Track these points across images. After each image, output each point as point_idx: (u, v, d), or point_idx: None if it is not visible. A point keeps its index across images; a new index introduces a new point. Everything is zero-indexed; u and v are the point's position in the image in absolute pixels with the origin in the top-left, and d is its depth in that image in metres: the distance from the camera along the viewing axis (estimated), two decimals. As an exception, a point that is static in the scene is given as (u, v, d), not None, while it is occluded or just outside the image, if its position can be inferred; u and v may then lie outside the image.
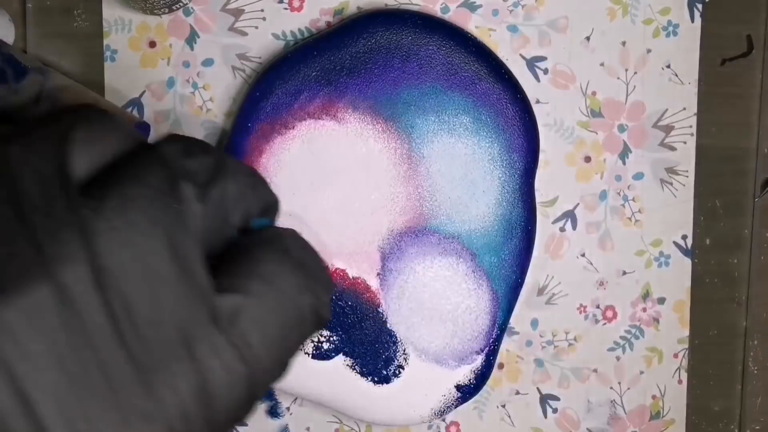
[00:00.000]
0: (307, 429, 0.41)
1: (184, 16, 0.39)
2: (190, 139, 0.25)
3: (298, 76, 0.37)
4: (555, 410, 0.42)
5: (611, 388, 0.42)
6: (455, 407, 0.40)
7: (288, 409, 0.41)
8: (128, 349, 0.21)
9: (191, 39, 0.39)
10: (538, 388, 0.42)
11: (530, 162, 0.39)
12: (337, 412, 0.41)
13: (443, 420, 0.42)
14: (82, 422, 0.20)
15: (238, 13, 0.39)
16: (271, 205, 0.26)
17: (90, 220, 0.21)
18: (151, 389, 0.21)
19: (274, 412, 0.41)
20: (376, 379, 0.39)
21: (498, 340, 0.39)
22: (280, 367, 0.24)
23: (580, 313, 0.42)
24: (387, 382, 0.39)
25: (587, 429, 0.42)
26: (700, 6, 0.41)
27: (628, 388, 0.42)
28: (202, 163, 0.24)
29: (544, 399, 0.42)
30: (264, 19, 0.39)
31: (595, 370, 0.42)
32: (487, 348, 0.39)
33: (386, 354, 0.39)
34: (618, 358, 0.42)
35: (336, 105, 0.38)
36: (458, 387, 0.40)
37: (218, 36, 0.39)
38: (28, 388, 0.20)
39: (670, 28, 0.41)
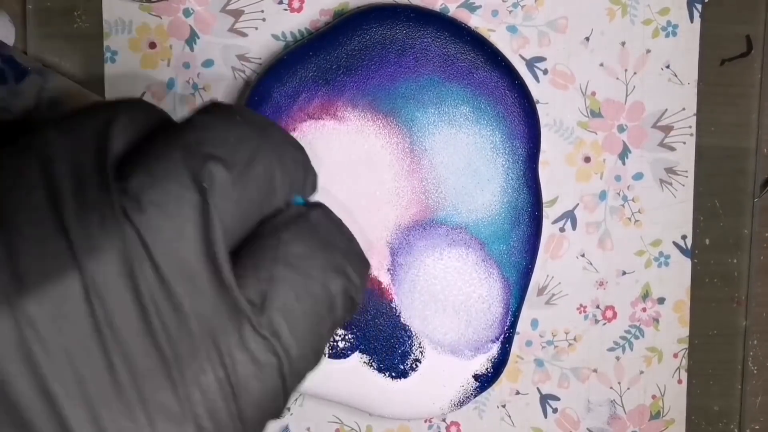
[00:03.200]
0: (308, 429, 0.41)
1: (184, 17, 0.39)
2: (227, 109, 0.23)
3: (295, 78, 0.38)
4: (555, 410, 0.42)
5: (611, 388, 0.42)
6: (474, 397, 0.40)
7: (288, 409, 0.41)
8: (156, 343, 0.20)
9: (191, 40, 0.39)
10: (538, 388, 0.42)
11: (532, 147, 0.39)
12: (338, 412, 0.41)
13: (443, 420, 0.42)
14: (107, 420, 0.19)
15: (237, 14, 0.39)
16: (312, 180, 0.24)
17: (120, 203, 0.20)
18: (176, 386, 0.20)
19: (274, 412, 0.41)
20: (393, 374, 0.39)
21: (512, 327, 0.40)
22: (314, 354, 0.23)
23: (580, 313, 0.42)
24: (405, 377, 0.39)
25: (587, 429, 0.43)
26: (699, 6, 0.41)
27: (628, 388, 0.42)
28: (240, 137, 0.22)
29: (544, 399, 0.42)
30: (264, 20, 0.39)
31: (595, 370, 0.42)
32: (502, 336, 0.40)
33: (402, 348, 0.39)
34: (618, 358, 0.42)
35: (335, 104, 0.38)
36: (476, 377, 0.40)
37: (218, 37, 0.39)
38: (51, 384, 0.19)
39: (670, 29, 0.41)
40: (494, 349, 0.40)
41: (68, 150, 0.21)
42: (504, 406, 0.42)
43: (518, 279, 0.39)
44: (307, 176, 0.24)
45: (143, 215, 0.20)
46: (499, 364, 0.40)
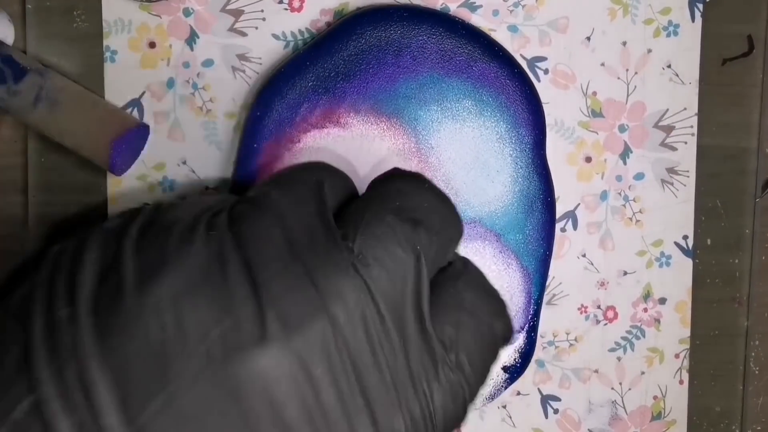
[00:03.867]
0: (308, 430, 0.41)
1: (184, 17, 0.39)
2: (414, 178, 0.28)
3: (295, 89, 0.37)
4: (556, 411, 0.42)
5: (612, 388, 0.42)
6: (505, 389, 0.40)
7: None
8: (382, 376, 0.24)
9: (191, 39, 0.39)
10: (539, 389, 0.42)
11: (538, 134, 0.39)
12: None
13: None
14: None
15: (237, 13, 0.39)
16: (461, 236, 0.29)
17: (349, 258, 0.24)
18: (398, 412, 0.24)
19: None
20: None
21: (536, 316, 0.40)
22: (483, 385, 0.28)
23: (581, 313, 0.42)
24: None
25: (588, 429, 0.42)
26: (700, 6, 0.41)
27: (629, 389, 0.42)
28: (432, 205, 0.27)
29: (545, 400, 0.42)
30: (264, 19, 0.39)
31: (596, 371, 0.42)
32: (527, 325, 0.39)
33: None
34: (619, 359, 0.42)
35: (337, 111, 0.38)
36: (505, 368, 0.40)
37: (218, 36, 0.39)
38: (312, 408, 0.23)
39: (671, 28, 0.41)
40: (520, 339, 0.39)
41: (294, 208, 0.25)
42: (505, 407, 0.42)
43: (538, 267, 0.39)
44: (461, 234, 0.29)
45: (368, 269, 0.24)
46: (526, 354, 0.40)
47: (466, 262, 0.29)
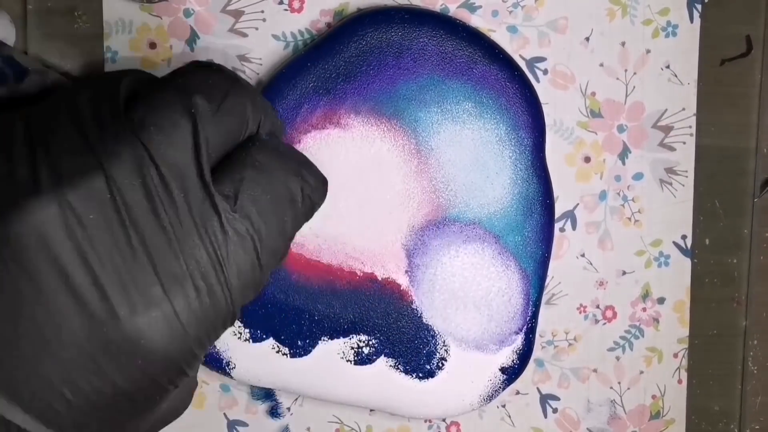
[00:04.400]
0: (308, 429, 0.41)
1: (185, 18, 0.39)
2: (205, 63, 0.31)
3: (296, 90, 0.38)
4: (555, 410, 0.42)
5: (611, 387, 0.42)
6: (503, 390, 0.40)
7: (288, 409, 0.41)
8: (161, 224, 0.26)
9: (191, 40, 0.39)
10: (538, 388, 0.42)
11: (538, 136, 0.39)
12: (338, 412, 0.41)
13: (443, 420, 0.42)
14: (125, 275, 0.26)
15: (238, 14, 0.39)
16: (278, 127, 0.32)
17: (129, 125, 0.27)
18: (177, 255, 0.26)
19: (274, 412, 0.41)
20: (420, 375, 0.39)
21: (534, 318, 0.40)
22: (281, 236, 0.30)
23: (580, 313, 0.42)
24: (432, 377, 0.39)
25: (587, 429, 0.43)
26: (699, 6, 0.41)
27: (628, 388, 0.43)
28: (216, 81, 0.29)
29: (544, 399, 0.42)
30: (264, 20, 0.39)
31: (595, 370, 0.42)
32: (525, 327, 0.40)
33: (427, 349, 0.39)
34: (618, 358, 0.42)
35: (338, 112, 0.38)
36: (503, 369, 0.40)
37: (218, 37, 0.39)
38: (85, 248, 0.25)
39: (670, 29, 0.41)
40: (518, 341, 0.40)
41: (89, 94, 0.28)
42: (504, 406, 0.42)
43: (536, 269, 0.39)
44: (276, 118, 0.32)
45: (147, 134, 0.27)
46: (524, 355, 0.40)
47: (271, 136, 0.31)
